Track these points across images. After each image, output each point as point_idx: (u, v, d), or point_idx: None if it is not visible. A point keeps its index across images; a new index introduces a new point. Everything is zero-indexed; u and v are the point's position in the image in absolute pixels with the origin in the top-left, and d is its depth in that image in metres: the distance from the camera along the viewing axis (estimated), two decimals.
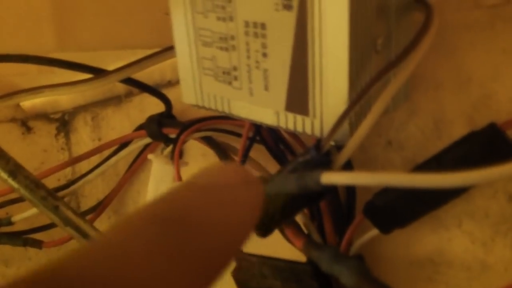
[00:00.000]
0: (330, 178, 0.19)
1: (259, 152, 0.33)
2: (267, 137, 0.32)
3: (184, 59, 0.28)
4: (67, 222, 0.44)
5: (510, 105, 0.26)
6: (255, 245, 0.31)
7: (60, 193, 0.48)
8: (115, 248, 0.11)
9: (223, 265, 0.13)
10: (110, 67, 0.35)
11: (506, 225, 0.27)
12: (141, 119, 0.42)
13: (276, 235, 0.28)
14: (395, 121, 0.30)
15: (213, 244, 0.13)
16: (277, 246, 0.29)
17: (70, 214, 0.44)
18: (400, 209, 0.27)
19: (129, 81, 0.36)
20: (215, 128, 0.35)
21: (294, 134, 0.32)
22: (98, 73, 0.34)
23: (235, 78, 0.26)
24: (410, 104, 0.29)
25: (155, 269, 0.11)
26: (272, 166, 0.33)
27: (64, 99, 0.52)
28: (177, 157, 0.33)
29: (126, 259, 0.11)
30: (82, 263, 0.11)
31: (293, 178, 0.21)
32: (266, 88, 0.25)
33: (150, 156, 0.37)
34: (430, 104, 0.29)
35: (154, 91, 0.38)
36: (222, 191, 0.14)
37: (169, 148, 0.38)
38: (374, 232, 0.29)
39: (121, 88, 0.46)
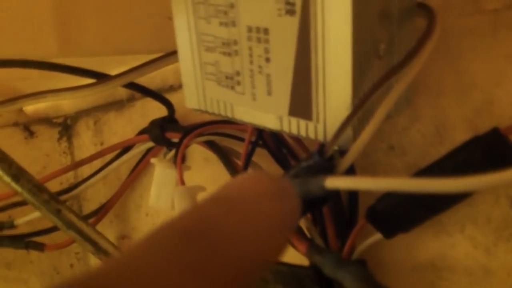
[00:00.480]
0: (334, 183, 0.19)
1: (261, 157, 0.33)
2: (270, 141, 0.32)
3: (187, 64, 0.28)
4: (70, 225, 0.44)
5: (511, 107, 0.26)
6: None
7: (63, 197, 0.48)
8: (141, 260, 0.11)
9: (251, 276, 0.13)
10: (113, 72, 0.35)
11: (508, 230, 0.27)
12: (143, 123, 0.42)
13: None
14: (397, 127, 0.30)
15: (238, 256, 0.13)
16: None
17: (72, 218, 0.44)
18: (402, 214, 0.27)
19: (131, 85, 0.36)
20: (218, 132, 0.36)
21: (297, 139, 0.32)
22: (100, 78, 0.34)
23: (238, 83, 0.26)
24: (412, 109, 0.29)
25: (179, 280, 0.11)
26: (275, 171, 0.33)
27: (66, 104, 0.52)
28: (179, 162, 0.34)
29: (151, 272, 0.11)
30: (109, 276, 0.11)
31: (296, 183, 0.21)
32: (269, 93, 0.25)
33: (153, 160, 0.37)
34: (432, 110, 0.29)
35: (156, 95, 0.38)
36: (247, 203, 0.14)
37: (172, 153, 0.38)
38: (376, 237, 0.29)
39: (123, 92, 0.46)
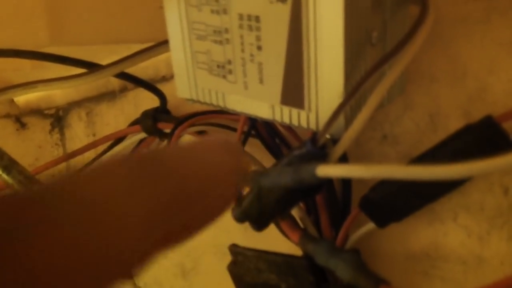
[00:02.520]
0: (326, 170, 0.19)
1: (254, 147, 0.33)
2: (263, 131, 0.32)
3: (178, 53, 0.28)
4: None
5: (506, 98, 0.25)
6: (252, 239, 0.31)
7: None
8: (100, 174, 0.12)
9: (189, 208, 0.13)
10: (104, 61, 0.34)
11: (502, 219, 0.27)
12: (135, 114, 0.42)
13: (273, 229, 0.28)
14: (390, 115, 0.30)
15: (187, 187, 0.13)
16: (273, 240, 0.29)
17: None
18: (396, 203, 0.27)
19: (123, 75, 0.36)
20: (210, 122, 0.35)
21: (289, 128, 0.32)
22: (91, 67, 0.34)
23: (230, 72, 0.26)
24: (406, 98, 0.29)
25: (130, 198, 0.12)
26: (268, 161, 0.32)
27: (58, 95, 0.51)
28: None
29: (107, 184, 0.12)
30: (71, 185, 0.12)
31: (289, 171, 0.21)
32: (261, 81, 0.25)
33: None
34: (426, 98, 0.28)
35: (148, 85, 0.38)
36: (201, 150, 0.14)
37: (164, 143, 0.38)
38: (370, 226, 0.29)
39: (115, 83, 0.46)
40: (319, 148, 0.23)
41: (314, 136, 0.23)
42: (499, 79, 0.26)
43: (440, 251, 0.29)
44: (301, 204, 0.31)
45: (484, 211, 0.27)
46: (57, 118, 0.53)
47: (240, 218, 0.25)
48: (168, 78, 0.42)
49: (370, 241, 0.31)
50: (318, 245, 0.22)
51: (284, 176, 0.21)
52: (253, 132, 0.32)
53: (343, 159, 0.30)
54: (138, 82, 0.37)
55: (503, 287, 0.16)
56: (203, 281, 0.45)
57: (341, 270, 0.20)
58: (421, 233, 0.29)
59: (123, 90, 0.45)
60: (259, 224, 0.25)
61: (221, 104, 0.27)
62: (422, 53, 0.28)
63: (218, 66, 0.26)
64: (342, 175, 0.19)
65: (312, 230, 0.30)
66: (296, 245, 0.25)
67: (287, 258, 0.29)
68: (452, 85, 0.27)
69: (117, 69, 0.33)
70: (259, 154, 0.33)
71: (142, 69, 0.42)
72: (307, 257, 0.27)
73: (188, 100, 0.29)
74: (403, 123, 0.29)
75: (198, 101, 0.28)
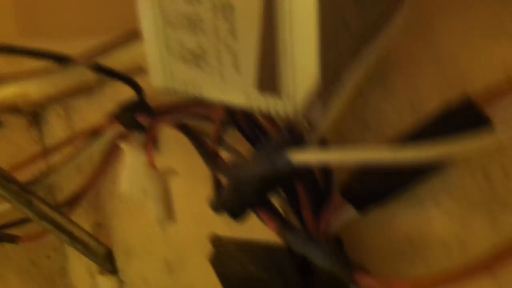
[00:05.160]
0: (300, 157, 0.19)
1: (234, 137, 0.32)
2: (242, 121, 0.31)
3: (152, 44, 0.27)
4: (42, 216, 0.43)
5: (486, 81, 0.25)
6: (236, 230, 0.30)
7: (34, 187, 0.47)
8: None
9: None
10: (77, 54, 0.34)
11: (483, 203, 0.26)
12: (113, 108, 0.41)
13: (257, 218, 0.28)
14: (370, 103, 0.29)
15: None
16: (258, 229, 0.29)
17: (44, 208, 0.44)
18: (377, 189, 0.27)
19: (97, 68, 0.35)
20: (189, 113, 0.35)
21: (269, 118, 0.31)
22: (64, 61, 0.33)
23: (205, 61, 0.25)
24: (385, 85, 0.29)
25: None
26: (249, 151, 0.32)
27: (34, 92, 0.50)
28: (149, 145, 0.33)
29: None
30: None
31: (264, 160, 0.20)
32: (237, 70, 0.24)
33: (123, 146, 0.36)
34: (406, 85, 0.28)
35: (123, 77, 0.37)
36: None
37: (143, 137, 0.37)
38: (352, 213, 0.28)
39: (92, 77, 0.45)
40: (296, 135, 0.22)
41: (291, 124, 0.22)
42: (480, 64, 0.26)
43: (423, 235, 0.29)
44: (282, 193, 0.31)
45: (465, 194, 0.27)
46: (35, 115, 0.52)
47: (218, 208, 0.25)
48: (145, 69, 0.41)
49: (353, 228, 0.31)
50: (295, 235, 0.22)
51: (260, 165, 0.21)
52: (232, 122, 0.31)
53: (324, 147, 0.29)
54: (112, 74, 0.37)
55: (482, 268, 0.16)
56: (189, 274, 0.44)
57: (318, 259, 0.20)
58: (403, 218, 0.29)
59: (100, 84, 0.44)
60: (238, 215, 0.25)
61: (197, 94, 0.27)
62: (401, 39, 0.27)
63: (192, 55, 0.26)
64: (316, 160, 0.19)
65: (293, 219, 0.30)
66: (276, 234, 0.25)
67: (270, 248, 0.28)
68: (432, 70, 0.27)
69: (91, 61, 0.32)
70: (239, 145, 0.33)
71: (118, 60, 0.41)
72: (288, 246, 0.26)
73: (164, 91, 0.28)
74: (383, 110, 0.29)
75: (174, 92, 0.28)
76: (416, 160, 0.17)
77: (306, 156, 0.19)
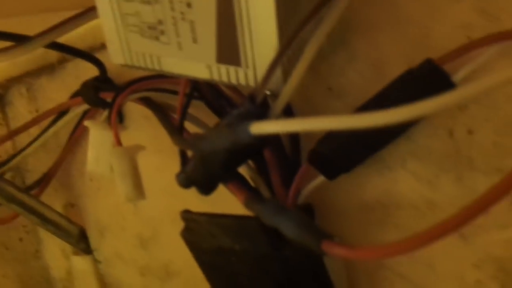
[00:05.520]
0: (260, 128, 0.18)
1: (199, 108, 0.32)
2: (206, 92, 0.31)
3: (107, 18, 0.26)
4: (10, 199, 0.43)
5: (447, 42, 0.25)
6: (209, 204, 0.30)
7: (2, 169, 0.47)
8: None
9: None
10: (35, 32, 0.32)
11: (448, 162, 0.26)
12: (77, 85, 0.40)
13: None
14: (334, 67, 0.29)
15: None
16: (231, 202, 0.28)
17: (12, 190, 0.43)
18: (343, 154, 0.27)
19: (57, 46, 0.34)
20: (153, 88, 0.34)
21: (233, 88, 0.31)
22: (23, 40, 0.32)
23: (162, 33, 0.25)
24: (348, 48, 0.28)
25: None
26: (213, 122, 0.32)
27: None
28: (114, 122, 0.32)
29: None
30: None
31: (226, 132, 0.20)
32: (195, 40, 0.24)
33: (86, 123, 0.35)
34: (368, 47, 0.28)
35: (84, 54, 0.37)
36: None
37: (106, 113, 0.37)
38: (320, 179, 0.28)
39: (53, 55, 0.44)
40: (258, 105, 0.22)
41: (253, 93, 0.22)
42: (441, 23, 0.25)
43: (392, 198, 0.29)
44: (252, 163, 0.31)
45: (431, 155, 0.27)
46: None
47: (185, 183, 0.24)
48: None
49: (323, 195, 0.31)
50: (263, 205, 0.21)
51: (222, 138, 0.20)
52: (196, 94, 0.31)
53: (289, 114, 0.29)
54: (72, 51, 0.36)
55: (450, 229, 0.16)
56: (163, 249, 0.44)
57: (286, 228, 0.20)
58: (372, 182, 0.29)
59: (62, 61, 0.43)
60: (206, 188, 0.24)
61: (156, 67, 0.26)
62: (361, 1, 0.27)
63: (149, 28, 0.25)
64: (276, 130, 0.19)
65: (264, 189, 0.30)
66: (244, 206, 0.25)
67: (240, 220, 0.28)
68: (394, 32, 0.27)
69: (48, 39, 0.31)
70: (205, 116, 0.32)
71: (80, 37, 0.40)
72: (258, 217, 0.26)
73: (123, 66, 0.27)
74: (347, 74, 0.29)
75: (134, 66, 0.27)
76: (379, 124, 0.17)
77: (266, 127, 0.18)
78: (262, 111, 0.22)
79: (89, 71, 0.40)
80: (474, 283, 0.28)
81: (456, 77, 0.24)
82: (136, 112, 0.40)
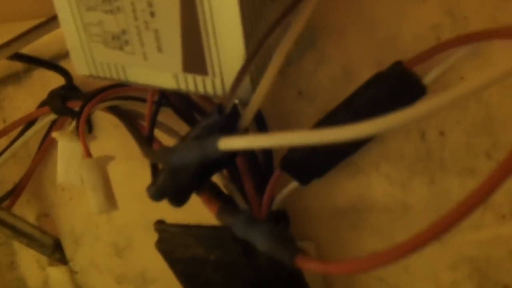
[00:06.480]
0: (228, 144, 0.18)
1: (168, 117, 0.31)
2: (174, 99, 0.30)
3: (69, 27, 0.26)
4: None
5: (415, 44, 0.25)
6: (183, 213, 0.30)
7: None
8: None
9: None
10: None
11: (421, 164, 0.26)
12: (44, 94, 0.39)
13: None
14: (303, 71, 0.29)
15: None
16: (205, 211, 0.28)
17: None
18: (316, 160, 0.27)
19: (19, 57, 0.33)
20: (121, 96, 0.33)
21: (203, 96, 0.30)
22: None
23: (126, 43, 0.24)
24: (317, 52, 0.28)
25: None
26: (186, 129, 0.31)
27: None
28: (82, 132, 0.31)
29: None
30: None
31: (194, 146, 0.19)
32: (160, 50, 0.23)
33: (54, 134, 0.34)
34: (336, 51, 0.28)
35: (48, 64, 0.36)
36: None
37: (74, 123, 0.36)
38: (294, 185, 0.28)
39: (18, 64, 0.43)
40: (227, 115, 0.21)
41: (221, 104, 0.22)
42: (409, 25, 0.25)
43: (366, 202, 0.29)
44: (225, 172, 0.30)
45: (403, 158, 0.27)
46: None
47: (156, 196, 0.24)
48: None
49: (296, 201, 0.30)
50: (235, 218, 0.21)
51: (190, 152, 0.20)
52: (164, 101, 0.30)
53: (260, 121, 0.29)
54: (36, 61, 0.35)
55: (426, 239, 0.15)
56: (138, 257, 0.43)
57: (259, 242, 0.19)
58: (345, 186, 0.29)
59: (27, 70, 0.42)
60: (177, 201, 0.24)
61: (122, 78, 0.25)
62: (329, 5, 0.27)
63: (113, 38, 0.24)
64: (245, 147, 0.18)
65: (238, 197, 0.30)
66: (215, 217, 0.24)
67: (213, 230, 0.28)
68: (362, 35, 0.27)
69: (11, 50, 0.31)
70: (174, 123, 0.32)
71: (45, 45, 0.39)
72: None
73: (88, 76, 0.27)
74: (316, 78, 0.28)
75: (98, 77, 0.26)
76: (350, 138, 0.16)
77: (234, 143, 0.18)
78: (231, 121, 0.22)
79: (56, 79, 0.40)
80: (450, 284, 0.28)
81: (426, 79, 0.23)
82: (105, 120, 0.39)
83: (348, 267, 0.16)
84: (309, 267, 0.17)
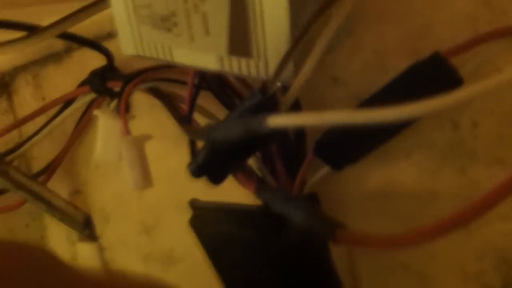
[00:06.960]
0: (277, 121, 0.19)
1: (207, 99, 0.32)
2: (213, 83, 0.31)
3: (120, 9, 0.27)
4: (19, 185, 0.43)
5: (451, 33, 0.26)
6: (213, 193, 0.31)
7: (9, 157, 0.47)
8: None
9: None
10: (44, 22, 0.33)
11: (452, 153, 0.27)
12: (83, 74, 0.41)
13: (233, 181, 0.28)
14: (339, 58, 0.29)
15: None
16: (235, 192, 0.29)
17: (20, 178, 0.43)
18: (350, 146, 0.27)
19: (65, 36, 0.34)
20: (161, 78, 0.35)
21: (241, 78, 0.31)
22: (32, 30, 0.32)
23: (175, 24, 0.25)
24: (354, 39, 0.29)
25: None
26: (222, 113, 0.32)
27: (1, 61, 0.49)
28: (123, 111, 0.33)
29: None
30: None
31: (239, 123, 0.20)
32: (207, 32, 0.24)
33: (95, 112, 0.36)
34: (373, 38, 0.28)
35: (92, 44, 0.37)
36: None
37: (115, 102, 0.37)
38: (326, 170, 0.29)
39: (60, 44, 0.44)
40: (269, 97, 0.22)
41: (264, 85, 0.23)
42: (444, 14, 0.26)
43: (396, 189, 0.29)
44: (258, 154, 0.31)
45: (435, 147, 0.27)
46: (3, 84, 0.51)
47: (196, 173, 0.25)
48: (113, 34, 0.41)
49: (327, 185, 0.31)
50: (272, 194, 0.22)
51: (235, 129, 0.21)
52: (203, 84, 0.31)
53: (296, 105, 0.30)
54: (81, 41, 0.36)
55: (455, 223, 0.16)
56: (167, 236, 0.45)
57: (296, 216, 0.20)
58: (376, 173, 0.30)
59: (68, 50, 0.44)
60: (216, 178, 0.25)
61: (168, 58, 0.27)
62: None
63: (162, 19, 0.25)
64: (293, 124, 0.19)
65: (269, 179, 0.31)
66: (254, 195, 0.25)
67: (245, 208, 0.29)
68: (399, 23, 0.27)
69: (59, 30, 0.32)
70: (212, 107, 0.33)
71: (85, 27, 0.40)
72: (264, 206, 0.27)
73: (134, 56, 0.28)
74: (352, 65, 0.29)
75: (145, 57, 0.27)
76: (387, 121, 0.17)
77: (283, 120, 0.19)
78: (273, 103, 0.23)
79: (95, 60, 0.41)
80: (475, 274, 0.28)
81: (463, 71, 0.24)
82: (142, 101, 0.40)
83: (390, 241, 0.16)
84: (350, 239, 0.18)
